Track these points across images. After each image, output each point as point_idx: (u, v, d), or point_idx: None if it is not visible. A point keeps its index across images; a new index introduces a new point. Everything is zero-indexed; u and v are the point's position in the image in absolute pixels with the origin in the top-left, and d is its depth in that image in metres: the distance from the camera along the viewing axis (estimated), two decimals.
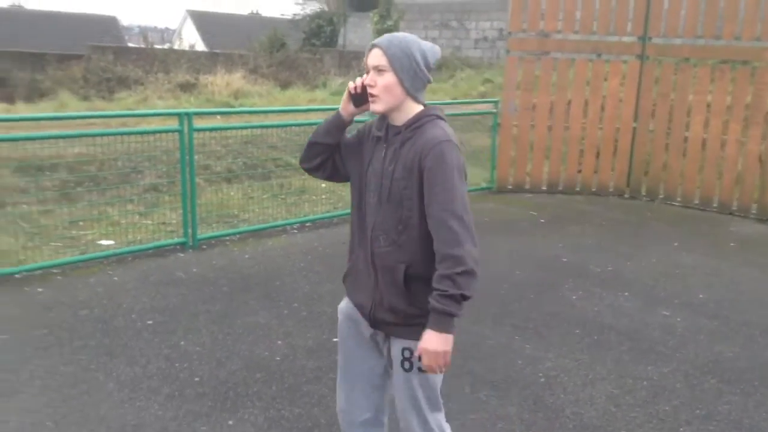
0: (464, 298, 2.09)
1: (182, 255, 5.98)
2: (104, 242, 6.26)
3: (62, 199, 6.91)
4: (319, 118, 9.70)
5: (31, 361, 3.93)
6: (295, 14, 28.97)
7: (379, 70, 2.22)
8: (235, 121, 10.01)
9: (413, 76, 2.22)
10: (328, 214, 7.44)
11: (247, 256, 6.02)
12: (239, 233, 6.65)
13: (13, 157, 7.01)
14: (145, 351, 4.12)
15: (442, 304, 2.08)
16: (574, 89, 9.07)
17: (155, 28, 63.84)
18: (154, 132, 6.43)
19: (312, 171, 2.47)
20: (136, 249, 5.97)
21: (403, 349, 2.27)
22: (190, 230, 6.19)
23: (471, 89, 16.53)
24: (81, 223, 6.60)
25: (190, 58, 18.37)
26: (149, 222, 6.85)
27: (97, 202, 6.84)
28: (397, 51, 2.20)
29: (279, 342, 4.31)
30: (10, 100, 12.97)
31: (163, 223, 6.82)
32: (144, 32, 28.38)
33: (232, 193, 7.83)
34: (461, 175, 2.17)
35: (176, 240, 6.23)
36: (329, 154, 2.42)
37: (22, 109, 11.88)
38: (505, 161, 9.18)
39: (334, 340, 3.91)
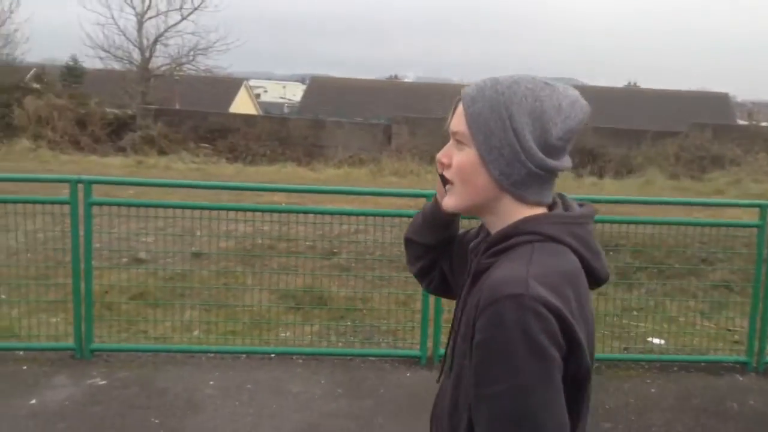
0: None
1: (741, 379, 4.80)
2: (654, 340, 5.55)
3: (620, 284, 6.49)
4: None
5: None
6: None
7: (456, 139, 1.29)
8: None
9: (510, 158, 1.24)
10: None
11: None
12: None
13: None
14: None
15: None
16: None
17: None
18: (725, 225, 5.43)
19: (418, 279, 1.62)
20: (685, 359, 5.07)
21: None
22: (756, 347, 4.95)
23: None
24: (634, 313, 6.05)
25: None
26: (711, 326, 5.83)
27: (656, 294, 6.17)
28: (484, 110, 1.25)
29: None
30: (599, 174, 13.42)
31: (728, 330, 5.71)
32: (753, 109, 26.50)
33: None
34: (541, 366, 1.11)
35: (736, 357, 5.07)
36: (431, 259, 1.56)
37: (608, 184, 12.11)
38: None
39: None
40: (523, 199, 1.28)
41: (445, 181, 1.38)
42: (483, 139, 1.25)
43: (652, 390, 4.57)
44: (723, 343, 5.41)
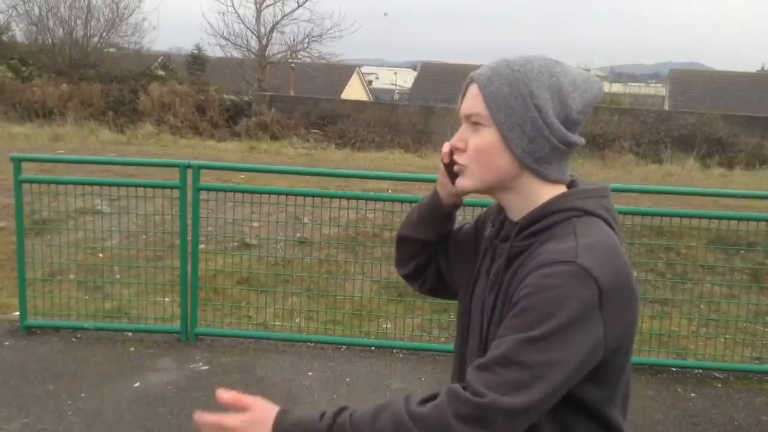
0: None
1: None
2: None
3: (752, 285, 5.93)
4: None
5: None
6: None
7: (472, 121, 1.26)
8: None
9: (533, 134, 1.22)
10: None
11: None
12: None
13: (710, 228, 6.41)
14: None
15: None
16: None
17: None
18: None
19: (409, 280, 1.58)
20: None
21: None
22: None
23: None
24: (767, 319, 5.50)
25: None
26: None
27: None
28: (504, 89, 1.22)
29: None
30: (729, 165, 12.46)
31: None
32: None
33: None
34: (574, 331, 1.10)
35: None
36: (428, 255, 1.52)
37: (737, 176, 11.21)
38: None
39: None
40: (545, 177, 1.27)
41: (450, 170, 1.35)
42: (504, 117, 1.23)
43: None
44: None
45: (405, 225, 1.55)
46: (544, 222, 1.24)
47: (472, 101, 1.27)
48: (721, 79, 36.34)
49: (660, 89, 48.75)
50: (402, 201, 5.12)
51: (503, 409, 1.10)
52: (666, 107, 30.52)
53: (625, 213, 4.91)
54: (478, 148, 1.26)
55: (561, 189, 1.29)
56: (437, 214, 1.48)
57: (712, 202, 8.75)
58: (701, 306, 5.58)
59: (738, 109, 23.86)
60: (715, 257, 6.22)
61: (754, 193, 6.30)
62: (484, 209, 1.52)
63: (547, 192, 1.27)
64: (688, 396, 4.20)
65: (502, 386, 1.11)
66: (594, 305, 1.13)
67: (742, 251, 6.48)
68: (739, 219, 4.92)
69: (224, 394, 1.24)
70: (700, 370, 4.54)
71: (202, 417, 1.24)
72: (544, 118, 1.22)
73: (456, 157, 1.31)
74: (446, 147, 1.36)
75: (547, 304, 1.13)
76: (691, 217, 5.02)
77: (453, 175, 1.37)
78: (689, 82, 35.74)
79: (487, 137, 1.25)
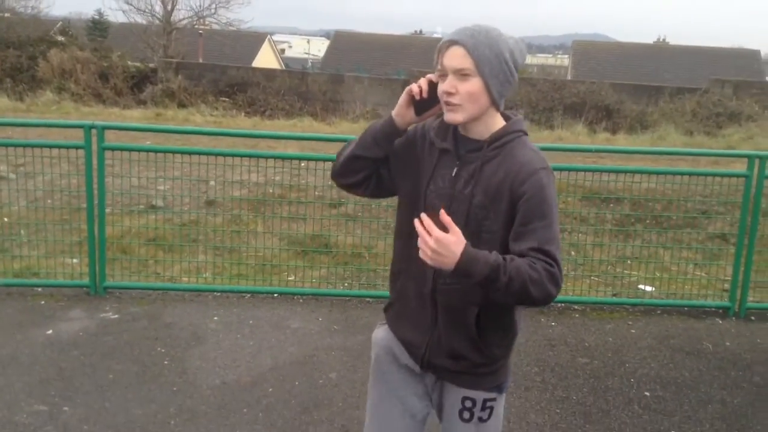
0: (523, 291, 1.70)
1: (721, 323, 5.00)
2: (645, 288, 5.74)
3: (618, 234, 6.66)
4: None
5: (512, 401, 3.77)
6: None
7: (462, 74, 1.80)
8: None
9: (503, 81, 1.84)
10: None
11: None
12: None
13: (584, 186, 7.09)
14: (630, 428, 3.51)
15: (505, 267, 1.71)
16: None
17: None
18: (719, 175, 5.51)
19: (350, 187, 2.06)
20: (669, 303, 5.26)
21: (464, 399, 1.99)
22: (738, 294, 5.13)
23: None
24: (629, 262, 6.22)
25: None
26: (702, 275, 5.99)
27: (651, 243, 6.33)
28: (486, 51, 1.79)
29: None
30: (614, 130, 13.41)
31: (719, 280, 5.88)
32: None
33: None
34: (557, 208, 1.85)
35: (718, 303, 5.26)
36: (375, 168, 2.01)
37: (620, 140, 12.13)
38: None
39: None
40: (499, 109, 1.89)
41: (419, 105, 1.88)
42: (488, 71, 1.79)
43: (633, 331, 4.78)
44: (713, 291, 5.58)
45: (358, 146, 1.99)
46: (505, 138, 1.86)
47: (461, 59, 1.78)
48: (620, 50, 38.11)
49: (565, 60, 50.49)
50: (308, 159, 5.41)
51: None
52: (569, 77, 31.82)
53: None
54: (470, 92, 1.80)
55: (501, 119, 1.91)
56: (392, 136, 1.97)
57: (593, 162, 9.55)
58: (572, 252, 6.26)
59: (632, 78, 25.26)
60: (588, 211, 6.92)
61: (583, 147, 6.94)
62: (412, 128, 2.01)
63: (497, 120, 1.90)
64: (549, 324, 4.83)
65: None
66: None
67: (611, 204, 7.22)
68: (600, 171, 5.56)
69: (443, 216, 1.73)
70: (563, 304, 5.19)
71: (425, 220, 1.72)
72: (510, 70, 1.83)
73: (450, 99, 1.81)
74: (415, 87, 1.86)
75: (549, 201, 1.79)
76: (566, 170, 5.50)
77: (419, 108, 1.90)
78: (590, 53, 37.29)
79: (475, 84, 1.80)
